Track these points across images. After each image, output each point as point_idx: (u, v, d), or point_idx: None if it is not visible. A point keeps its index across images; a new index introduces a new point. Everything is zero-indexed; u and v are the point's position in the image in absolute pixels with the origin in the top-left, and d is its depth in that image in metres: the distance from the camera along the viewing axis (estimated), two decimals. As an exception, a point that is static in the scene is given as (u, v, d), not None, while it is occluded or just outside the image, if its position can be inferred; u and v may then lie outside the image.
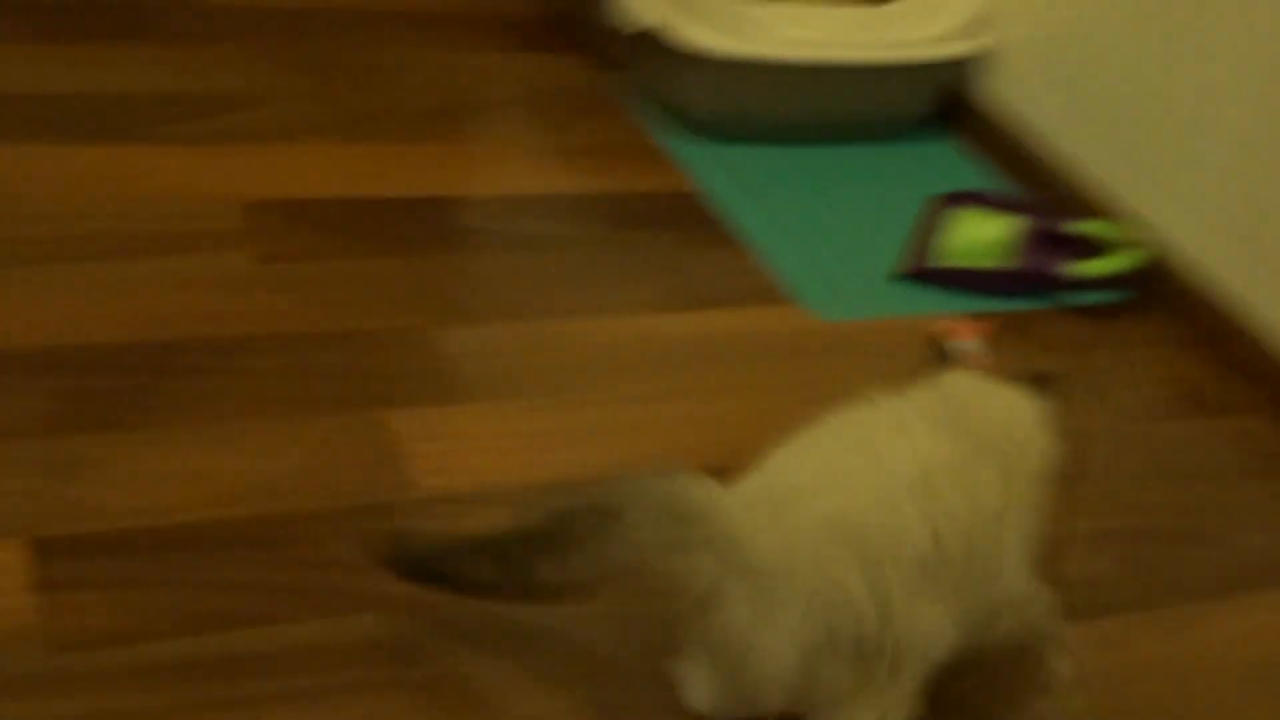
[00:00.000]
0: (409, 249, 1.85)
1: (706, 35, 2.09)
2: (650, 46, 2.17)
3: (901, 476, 1.13)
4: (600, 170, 2.09)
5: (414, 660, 1.29)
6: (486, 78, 2.26)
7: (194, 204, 1.84)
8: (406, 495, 1.47)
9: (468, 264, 1.85)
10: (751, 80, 2.15)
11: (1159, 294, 2.04)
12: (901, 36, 2.22)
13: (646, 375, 1.72)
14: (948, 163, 2.31)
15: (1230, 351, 1.94)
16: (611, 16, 2.22)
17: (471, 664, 1.29)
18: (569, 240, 1.94)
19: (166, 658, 1.24)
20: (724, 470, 1.61)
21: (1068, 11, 2.17)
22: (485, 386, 1.65)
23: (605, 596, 1.32)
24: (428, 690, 1.26)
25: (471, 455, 1.54)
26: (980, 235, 2.05)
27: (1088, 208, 2.12)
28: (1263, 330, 1.90)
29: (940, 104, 2.35)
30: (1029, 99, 2.26)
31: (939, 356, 1.60)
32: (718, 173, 2.15)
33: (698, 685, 1.18)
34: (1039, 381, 1.36)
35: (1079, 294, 2.05)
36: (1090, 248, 2.06)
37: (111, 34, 2.12)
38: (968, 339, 1.59)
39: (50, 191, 1.80)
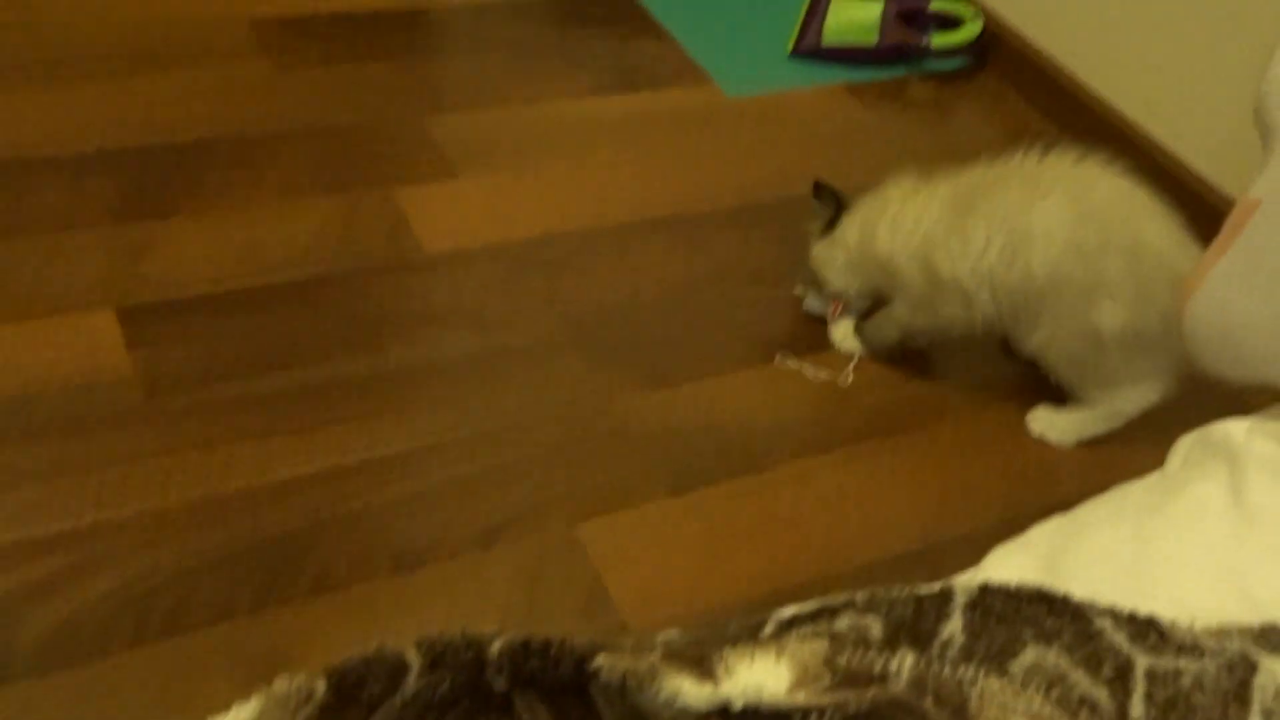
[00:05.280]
0: (397, 53, 1.74)
1: None
2: None
3: None
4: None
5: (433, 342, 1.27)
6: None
7: (206, 25, 1.71)
8: (420, 256, 1.43)
9: (446, 64, 1.74)
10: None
11: (996, 59, 1.99)
12: None
13: (596, 147, 1.66)
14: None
15: (1050, 100, 1.91)
16: None
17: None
18: (525, 40, 1.83)
19: (236, 393, 1.21)
20: (665, 216, 1.57)
21: None
22: (471, 164, 1.58)
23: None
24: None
25: (468, 220, 1.49)
26: (854, 17, 1.96)
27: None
28: (1072, 81, 1.86)
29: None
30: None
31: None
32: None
33: None
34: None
35: (935, 62, 2.00)
36: (945, 22, 1.99)
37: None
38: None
39: (79, 8, 1.66)
